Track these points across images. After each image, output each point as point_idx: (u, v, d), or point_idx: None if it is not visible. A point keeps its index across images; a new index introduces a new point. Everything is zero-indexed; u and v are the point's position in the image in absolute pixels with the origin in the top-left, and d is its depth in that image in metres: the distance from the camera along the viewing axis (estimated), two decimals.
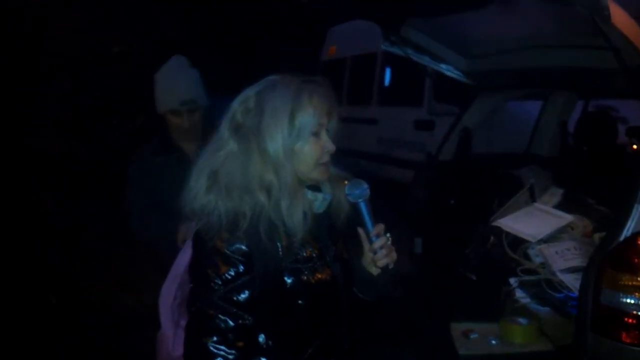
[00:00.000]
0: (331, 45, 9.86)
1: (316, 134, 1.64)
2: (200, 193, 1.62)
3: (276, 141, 1.59)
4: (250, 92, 1.66)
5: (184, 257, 1.80)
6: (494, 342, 2.60)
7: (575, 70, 3.10)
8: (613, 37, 2.40)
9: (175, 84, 2.83)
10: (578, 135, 4.01)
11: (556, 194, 3.67)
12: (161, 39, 9.39)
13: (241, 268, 1.57)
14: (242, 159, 1.61)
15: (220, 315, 1.56)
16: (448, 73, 3.81)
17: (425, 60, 3.68)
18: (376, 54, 8.25)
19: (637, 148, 4.96)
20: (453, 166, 3.95)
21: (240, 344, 1.57)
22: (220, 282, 1.57)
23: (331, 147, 1.67)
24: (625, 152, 4.70)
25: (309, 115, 1.62)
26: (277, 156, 1.60)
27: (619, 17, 2.23)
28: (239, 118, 1.64)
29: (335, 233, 1.76)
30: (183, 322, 1.76)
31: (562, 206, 3.49)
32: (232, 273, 1.57)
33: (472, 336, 2.66)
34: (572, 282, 2.83)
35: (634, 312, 2.23)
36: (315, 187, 1.71)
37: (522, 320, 2.67)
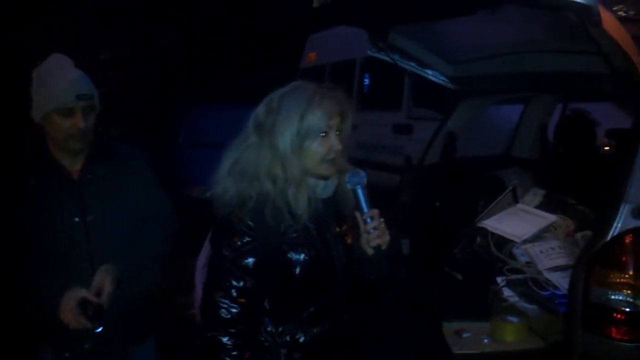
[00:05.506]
0: (310, 52, 9.89)
1: (325, 134, 1.87)
2: (222, 176, 1.89)
3: (285, 139, 1.84)
4: (275, 95, 1.91)
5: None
6: (486, 340, 2.63)
7: (559, 74, 3.19)
8: (603, 41, 2.48)
9: (69, 75, 2.23)
10: (558, 137, 4.10)
11: (538, 195, 3.74)
12: (153, 47, 9.28)
13: (246, 239, 1.86)
14: (255, 151, 1.89)
15: (227, 276, 1.86)
16: (433, 78, 3.87)
17: (411, 66, 3.74)
18: (355, 60, 8.30)
19: (610, 149, 5.06)
20: (438, 169, 4.01)
21: (242, 300, 1.86)
22: (230, 249, 1.87)
23: (337, 146, 1.88)
24: (602, 153, 4.81)
25: (317, 118, 1.85)
26: (285, 152, 1.85)
27: (609, 22, 2.31)
28: (262, 116, 1.90)
29: (341, 217, 2.01)
30: None
31: (544, 206, 3.55)
32: (239, 242, 1.86)
33: (464, 335, 2.68)
34: (558, 280, 2.89)
35: (623, 309, 2.30)
36: (321, 176, 1.94)
37: (512, 318, 2.70)
